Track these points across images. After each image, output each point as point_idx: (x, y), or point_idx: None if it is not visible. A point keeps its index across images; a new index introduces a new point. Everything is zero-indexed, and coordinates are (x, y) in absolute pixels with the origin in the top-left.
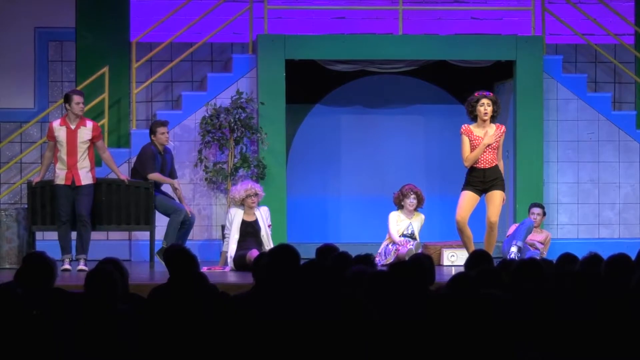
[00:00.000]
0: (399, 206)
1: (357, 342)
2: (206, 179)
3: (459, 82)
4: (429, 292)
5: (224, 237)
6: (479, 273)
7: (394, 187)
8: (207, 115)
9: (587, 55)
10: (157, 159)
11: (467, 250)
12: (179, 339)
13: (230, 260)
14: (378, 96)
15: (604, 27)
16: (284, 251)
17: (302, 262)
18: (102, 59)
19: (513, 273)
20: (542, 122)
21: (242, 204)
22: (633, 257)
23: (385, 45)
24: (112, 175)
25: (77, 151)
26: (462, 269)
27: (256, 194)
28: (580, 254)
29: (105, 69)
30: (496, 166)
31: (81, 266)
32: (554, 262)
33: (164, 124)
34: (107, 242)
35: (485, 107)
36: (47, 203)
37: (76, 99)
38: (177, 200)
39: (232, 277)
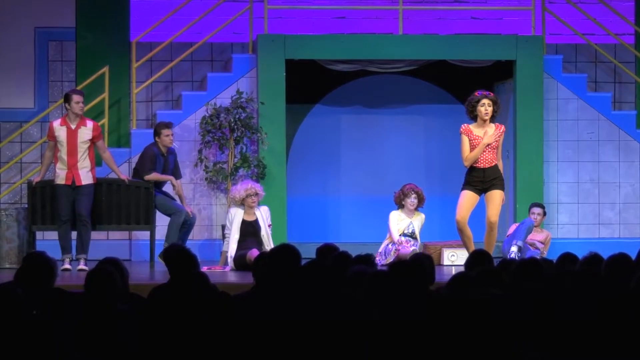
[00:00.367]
0: (400, 205)
1: (357, 342)
2: (206, 179)
3: (459, 82)
4: (429, 292)
5: (224, 236)
6: (479, 273)
7: (394, 187)
8: (207, 115)
9: (587, 55)
10: (157, 160)
11: (467, 250)
12: (179, 339)
13: (230, 260)
14: (378, 96)
15: (604, 27)
16: (285, 251)
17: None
18: (102, 58)
19: (513, 273)
20: (542, 122)
21: (242, 203)
22: (633, 256)
23: (385, 45)
24: (113, 175)
25: (78, 151)
26: (462, 269)
27: (256, 194)
28: (581, 253)
29: (106, 69)
30: (496, 166)
31: (81, 266)
32: (554, 261)
33: (168, 125)
34: (107, 242)
35: (485, 107)
36: (47, 203)
37: (76, 98)
38: (178, 201)
39: (232, 277)
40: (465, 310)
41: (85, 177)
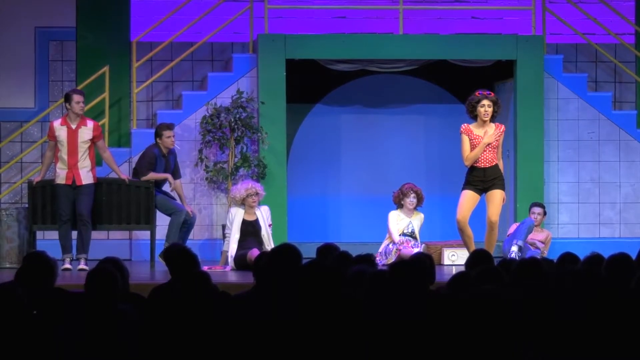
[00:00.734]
0: (399, 205)
1: (357, 342)
2: (207, 179)
3: (459, 82)
4: (429, 291)
5: (224, 236)
6: (479, 272)
7: (394, 187)
8: (207, 114)
9: (587, 54)
10: (158, 161)
11: (468, 249)
12: (180, 339)
13: (230, 260)
14: (378, 96)
15: (604, 27)
16: (285, 251)
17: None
18: (103, 58)
19: (513, 272)
20: (543, 122)
21: (242, 203)
22: (633, 256)
23: (386, 44)
24: (113, 175)
25: (78, 151)
26: (462, 269)
27: (257, 194)
28: (581, 253)
29: (106, 69)
30: (496, 165)
31: (82, 265)
32: (555, 261)
33: (170, 127)
34: (107, 242)
35: (485, 108)
36: (47, 202)
37: (76, 98)
38: (179, 201)
39: (233, 277)
40: (465, 310)
41: (86, 177)
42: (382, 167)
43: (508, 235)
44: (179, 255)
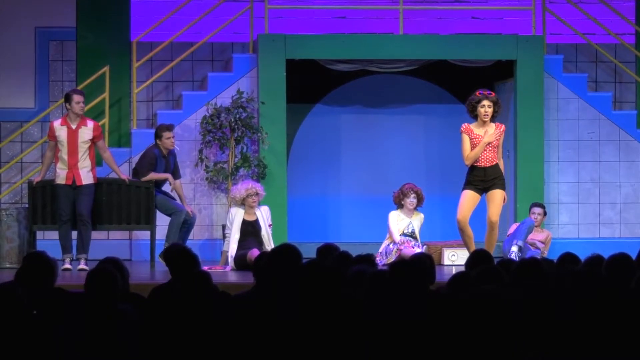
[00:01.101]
0: (399, 205)
1: (357, 342)
2: (207, 179)
3: (459, 82)
4: (430, 291)
5: (224, 236)
6: (479, 272)
7: (394, 187)
8: (207, 114)
9: (587, 54)
10: (158, 162)
11: (468, 249)
12: (180, 339)
13: (230, 260)
14: (378, 96)
15: (604, 27)
16: (285, 251)
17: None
18: (103, 58)
19: (513, 273)
20: (543, 122)
21: (242, 203)
22: (634, 256)
23: (386, 44)
24: (113, 175)
25: (78, 151)
26: (462, 269)
27: (257, 194)
28: (581, 253)
29: (106, 69)
30: (497, 165)
31: (82, 266)
32: (555, 261)
33: (170, 128)
34: (107, 242)
35: (485, 108)
36: (47, 202)
37: (76, 98)
38: (179, 201)
39: (233, 277)
40: (465, 310)
41: (86, 177)
42: (382, 167)
43: (508, 236)
44: (179, 255)
